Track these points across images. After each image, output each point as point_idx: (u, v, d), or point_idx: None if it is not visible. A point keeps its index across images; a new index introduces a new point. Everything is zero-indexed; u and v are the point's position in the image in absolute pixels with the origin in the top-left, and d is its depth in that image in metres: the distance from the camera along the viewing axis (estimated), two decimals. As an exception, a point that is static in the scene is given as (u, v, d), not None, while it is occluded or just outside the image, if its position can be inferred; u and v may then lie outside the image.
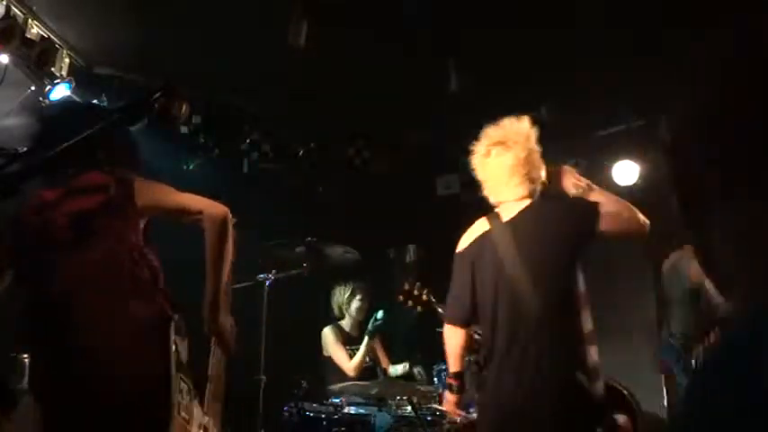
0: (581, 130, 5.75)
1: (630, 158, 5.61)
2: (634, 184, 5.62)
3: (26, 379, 3.73)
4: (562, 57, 4.47)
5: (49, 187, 2.35)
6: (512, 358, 2.61)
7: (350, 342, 4.72)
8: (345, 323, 4.86)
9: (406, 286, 3.34)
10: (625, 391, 2.88)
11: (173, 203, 2.43)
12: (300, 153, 5.53)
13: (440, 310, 3.29)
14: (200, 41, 4.38)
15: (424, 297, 3.31)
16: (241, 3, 4.00)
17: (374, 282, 5.04)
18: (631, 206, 2.71)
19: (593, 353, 2.60)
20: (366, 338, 4.58)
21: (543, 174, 2.80)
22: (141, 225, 2.38)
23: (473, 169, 2.84)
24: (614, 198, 2.75)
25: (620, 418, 2.75)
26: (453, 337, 2.86)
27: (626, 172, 5.64)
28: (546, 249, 2.69)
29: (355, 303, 4.83)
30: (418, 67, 4.59)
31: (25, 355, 3.78)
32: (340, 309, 4.89)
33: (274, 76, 4.67)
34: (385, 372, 4.71)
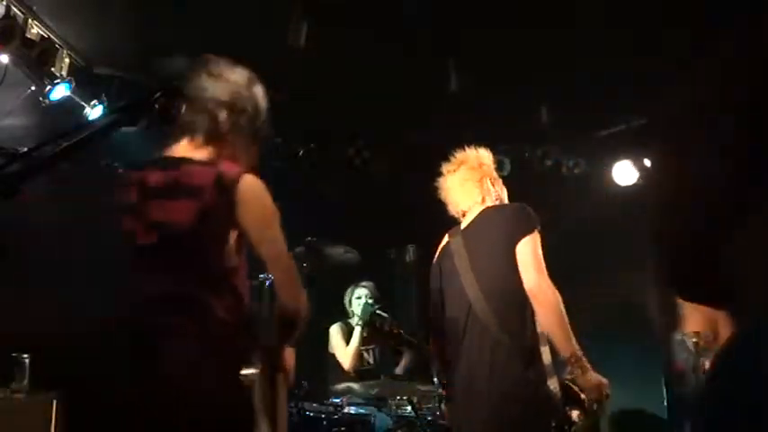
0: (581, 130, 5.75)
1: (630, 158, 5.62)
2: (634, 184, 5.63)
3: (26, 379, 3.74)
4: (562, 57, 4.47)
5: (154, 164, 2.06)
6: (465, 360, 2.75)
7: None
8: (353, 321, 4.88)
9: (377, 324, 3.52)
10: (580, 391, 2.93)
11: (265, 243, 1.99)
12: (300, 153, 5.53)
13: (409, 339, 3.50)
14: (200, 41, 4.37)
15: (395, 331, 3.45)
16: (241, 3, 4.00)
17: (374, 282, 5.04)
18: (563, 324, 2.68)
19: (544, 351, 2.69)
20: (357, 329, 4.60)
21: (502, 191, 3.04)
22: (233, 239, 1.98)
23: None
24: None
25: (574, 414, 2.81)
26: (435, 348, 3.02)
27: (626, 172, 5.65)
28: (492, 253, 2.80)
29: (355, 302, 4.84)
30: (418, 67, 4.59)
31: (25, 356, 3.79)
32: (348, 309, 4.91)
33: (274, 76, 4.66)
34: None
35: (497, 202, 2.98)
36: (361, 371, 4.62)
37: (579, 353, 2.62)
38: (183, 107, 2.00)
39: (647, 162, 5.39)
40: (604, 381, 2.66)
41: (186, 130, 2.08)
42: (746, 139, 0.64)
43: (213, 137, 2.06)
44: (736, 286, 0.67)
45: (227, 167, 1.99)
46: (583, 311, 2.69)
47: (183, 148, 2.08)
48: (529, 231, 2.71)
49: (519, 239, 2.70)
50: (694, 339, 4.29)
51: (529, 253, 2.68)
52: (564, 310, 2.62)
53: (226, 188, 1.93)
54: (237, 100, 2.11)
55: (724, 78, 0.68)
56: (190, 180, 1.97)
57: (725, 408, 0.60)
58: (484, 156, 3.06)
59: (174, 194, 1.97)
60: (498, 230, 2.79)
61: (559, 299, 2.63)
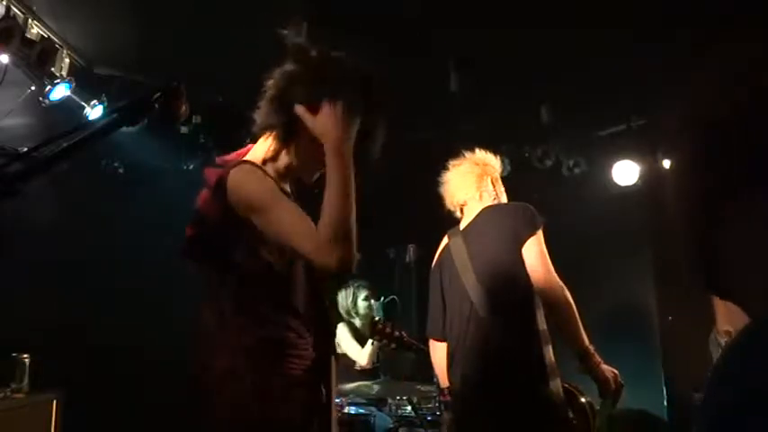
0: (581, 130, 5.75)
1: (630, 158, 5.62)
2: (634, 184, 5.63)
3: (26, 379, 3.75)
4: (562, 57, 4.47)
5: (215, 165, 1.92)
6: (466, 362, 2.75)
7: (363, 339, 4.74)
8: (357, 322, 4.89)
9: (378, 325, 3.53)
10: (579, 394, 2.94)
11: (266, 229, 1.72)
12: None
13: (412, 342, 3.52)
14: (200, 41, 4.38)
15: (396, 333, 3.48)
16: (241, 3, 4.00)
17: (374, 282, 5.05)
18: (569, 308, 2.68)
19: (546, 352, 2.68)
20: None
21: (501, 194, 3.02)
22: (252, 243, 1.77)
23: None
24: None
25: (574, 418, 2.81)
26: (435, 352, 3.01)
27: (626, 172, 5.65)
28: (495, 252, 2.79)
29: (361, 303, 4.86)
30: (418, 67, 4.59)
31: (25, 355, 3.79)
32: (348, 313, 4.91)
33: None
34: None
35: (495, 202, 2.98)
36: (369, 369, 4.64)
37: (591, 348, 2.66)
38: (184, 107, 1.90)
39: (666, 162, 5.37)
40: (615, 371, 2.71)
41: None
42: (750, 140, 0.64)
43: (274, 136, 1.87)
44: (743, 282, 0.67)
45: (231, 164, 1.82)
46: (582, 311, 2.69)
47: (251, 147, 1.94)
48: (535, 230, 2.71)
49: (526, 239, 2.70)
50: (725, 339, 4.32)
51: (537, 252, 2.68)
52: (575, 307, 2.65)
53: (220, 187, 1.76)
54: (290, 92, 1.83)
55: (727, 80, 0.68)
56: (206, 183, 1.86)
57: (716, 398, 0.61)
58: (489, 157, 3.08)
59: (199, 199, 1.88)
60: (502, 229, 2.78)
61: (569, 295, 2.65)
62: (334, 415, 1.89)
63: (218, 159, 1.95)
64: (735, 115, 0.65)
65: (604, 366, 2.68)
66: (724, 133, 0.66)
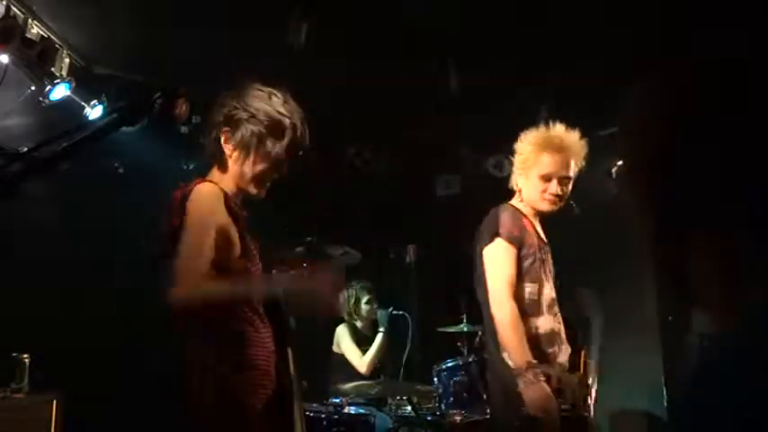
0: (581, 130, 5.74)
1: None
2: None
3: (26, 379, 3.75)
4: (562, 57, 4.47)
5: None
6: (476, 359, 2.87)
7: (363, 341, 4.75)
8: (358, 324, 4.89)
9: None
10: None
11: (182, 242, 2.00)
12: (301, 153, 5.52)
13: None
14: (200, 41, 4.38)
15: None
16: (241, 3, 4.00)
17: (374, 282, 5.06)
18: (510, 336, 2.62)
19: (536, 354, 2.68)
20: (380, 336, 4.63)
21: (521, 182, 2.90)
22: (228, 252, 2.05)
23: None
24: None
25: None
26: None
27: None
28: (475, 259, 2.82)
29: (364, 306, 4.86)
30: (418, 67, 4.59)
31: (25, 355, 3.79)
32: (350, 314, 4.91)
33: (274, 76, 4.66)
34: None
35: (511, 203, 2.90)
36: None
37: (525, 368, 2.53)
38: (184, 107, 2.12)
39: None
40: (545, 394, 2.53)
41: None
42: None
43: (215, 159, 2.21)
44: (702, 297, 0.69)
45: (194, 184, 2.08)
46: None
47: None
48: (489, 240, 2.69)
49: (481, 249, 2.72)
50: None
51: (488, 263, 2.68)
52: (515, 324, 2.57)
53: (184, 199, 2.03)
54: (230, 120, 2.24)
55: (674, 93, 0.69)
56: (170, 202, 2.10)
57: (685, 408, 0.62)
58: (539, 142, 2.96)
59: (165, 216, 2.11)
60: (477, 237, 2.81)
61: (509, 313, 2.58)
62: (299, 402, 2.11)
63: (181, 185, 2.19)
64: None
65: (539, 388, 2.52)
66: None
